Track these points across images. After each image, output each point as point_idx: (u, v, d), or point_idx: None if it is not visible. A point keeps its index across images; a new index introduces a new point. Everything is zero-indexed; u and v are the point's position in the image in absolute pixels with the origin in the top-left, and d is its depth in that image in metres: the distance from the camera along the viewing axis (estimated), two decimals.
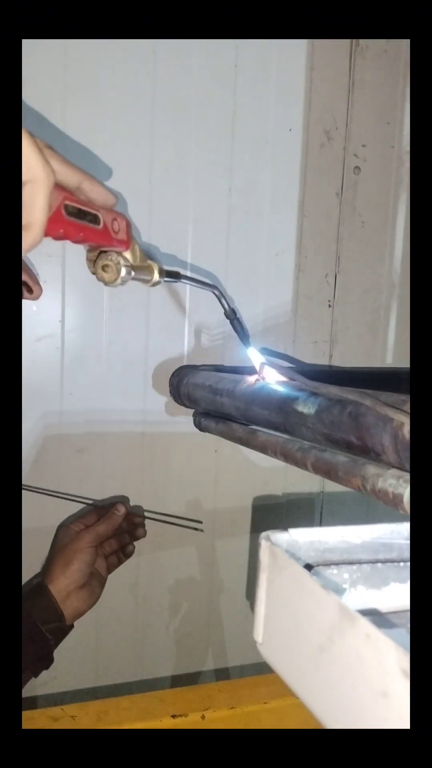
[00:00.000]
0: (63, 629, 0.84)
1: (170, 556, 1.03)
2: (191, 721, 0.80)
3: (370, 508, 1.09)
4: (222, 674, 1.09)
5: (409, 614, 0.40)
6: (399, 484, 0.45)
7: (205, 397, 0.82)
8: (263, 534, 0.41)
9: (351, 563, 0.42)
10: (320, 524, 1.14)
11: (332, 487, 1.10)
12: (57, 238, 0.50)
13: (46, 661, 0.82)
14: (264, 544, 0.40)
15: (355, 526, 0.43)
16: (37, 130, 0.85)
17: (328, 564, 0.42)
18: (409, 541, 0.44)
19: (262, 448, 0.69)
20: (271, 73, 0.98)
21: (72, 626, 0.86)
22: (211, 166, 0.97)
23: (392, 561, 0.43)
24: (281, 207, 1.02)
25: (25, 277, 0.83)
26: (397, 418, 0.45)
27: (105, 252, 0.61)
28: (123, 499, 0.97)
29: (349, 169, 1.06)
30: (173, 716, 0.80)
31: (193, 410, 0.91)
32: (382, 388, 0.53)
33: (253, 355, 0.75)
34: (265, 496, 1.08)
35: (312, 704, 0.35)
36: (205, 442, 1.00)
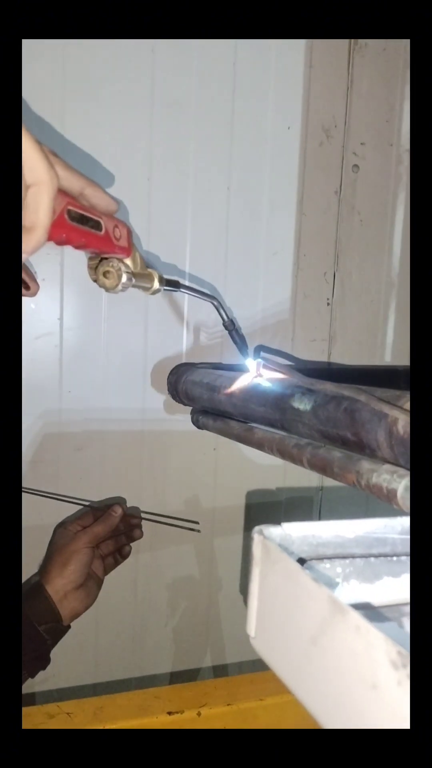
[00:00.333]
0: (60, 630, 0.84)
1: (169, 553, 1.04)
2: (187, 718, 0.81)
3: (369, 504, 1.09)
4: (220, 671, 1.10)
5: (401, 608, 0.41)
6: (393, 479, 0.45)
7: (203, 394, 0.82)
8: (256, 528, 0.41)
9: (344, 557, 0.42)
10: (319, 520, 1.14)
11: (331, 483, 1.10)
12: (59, 242, 0.51)
13: (43, 662, 0.83)
14: (257, 538, 0.40)
15: (348, 521, 0.43)
16: (35, 129, 0.86)
17: (321, 558, 0.42)
18: (402, 536, 0.44)
19: (259, 445, 0.69)
20: (269, 72, 0.98)
21: (69, 627, 0.86)
22: (210, 165, 0.97)
23: (385, 555, 0.43)
24: (280, 205, 1.02)
25: (22, 275, 0.83)
26: (392, 414, 0.45)
27: (106, 258, 0.62)
28: (120, 501, 0.98)
29: (347, 167, 1.06)
30: (169, 713, 0.81)
31: (191, 408, 0.91)
32: (381, 385, 0.53)
33: (252, 366, 0.76)
34: (263, 493, 1.08)
35: (304, 697, 0.36)
36: (204, 439, 1.01)
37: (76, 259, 0.90)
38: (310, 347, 1.08)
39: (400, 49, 1.05)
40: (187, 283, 0.73)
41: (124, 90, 0.91)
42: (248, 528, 1.08)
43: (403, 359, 1.13)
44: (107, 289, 0.62)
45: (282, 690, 0.39)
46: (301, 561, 0.41)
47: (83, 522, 0.91)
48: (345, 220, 1.07)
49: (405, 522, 0.44)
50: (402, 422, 0.44)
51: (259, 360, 0.73)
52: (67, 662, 0.96)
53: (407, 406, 0.46)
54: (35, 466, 0.94)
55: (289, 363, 1.04)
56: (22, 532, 0.90)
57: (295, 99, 1.00)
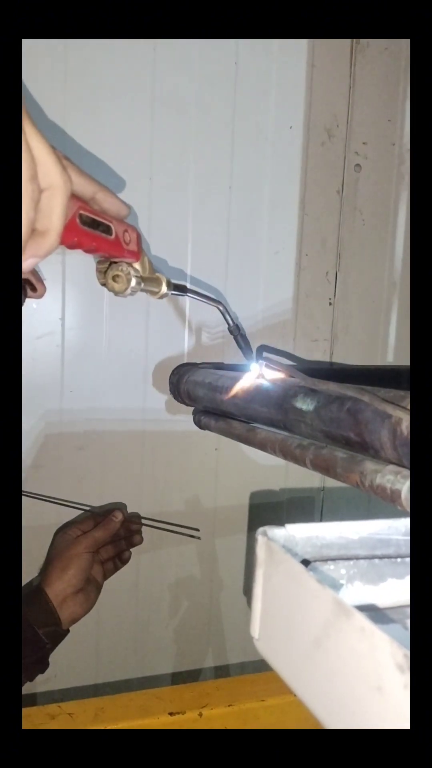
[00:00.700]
0: (59, 633, 0.84)
1: (170, 554, 1.04)
2: (189, 719, 0.81)
3: (370, 504, 1.09)
4: (222, 672, 1.10)
5: (405, 610, 0.41)
6: (397, 480, 0.45)
7: (205, 394, 0.82)
8: (260, 529, 0.41)
9: (348, 559, 0.42)
10: (321, 521, 1.14)
11: (333, 484, 1.10)
12: (71, 246, 0.51)
13: (42, 665, 0.83)
14: (260, 540, 0.40)
15: (352, 522, 0.43)
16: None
17: (325, 559, 0.42)
18: (406, 537, 0.44)
19: (262, 446, 0.69)
20: (271, 71, 0.98)
21: (68, 631, 0.86)
22: (212, 164, 0.97)
23: (389, 557, 0.43)
24: (282, 205, 1.02)
25: (29, 276, 0.83)
26: (396, 414, 0.45)
27: (115, 263, 0.62)
28: (120, 506, 0.98)
29: (349, 166, 1.06)
30: (171, 714, 0.80)
31: (193, 408, 0.91)
32: (383, 385, 0.53)
33: (256, 371, 0.76)
34: (265, 493, 1.08)
35: (308, 699, 0.36)
36: (205, 440, 1.01)
37: (78, 259, 0.90)
38: (312, 347, 1.08)
39: (402, 48, 1.05)
40: (193, 288, 0.72)
41: (125, 89, 0.91)
42: (249, 528, 1.08)
43: (405, 359, 1.13)
44: (116, 293, 0.63)
45: (283, 691, 0.39)
46: (305, 562, 0.41)
47: (83, 527, 0.91)
48: (347, 219, 1.07)
49: (409, 523, 0.44)
50: (406, 423, 0.44)
51: (262, 360, 0.73)
52: (69, 663, 0.96)
53: None
54: (37, 465, 0.94)
55: (292, 363, 1.04)
56: (23, 534, 0.90)
57: (297, 98, 1.00)
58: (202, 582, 1.07)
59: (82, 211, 0.51)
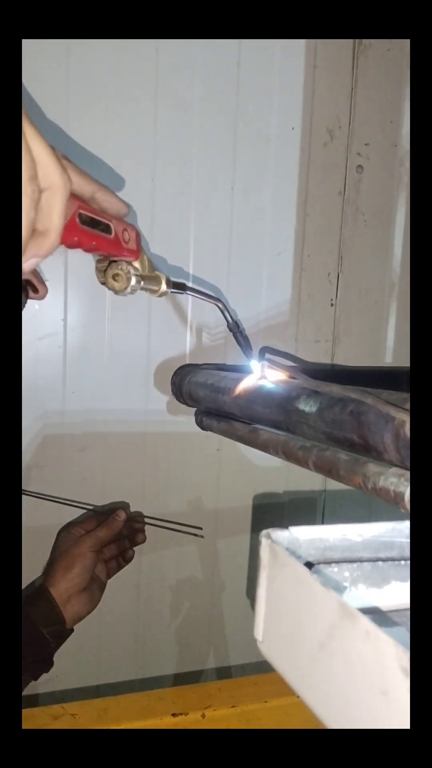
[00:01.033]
0: (63, 633, 0.84)
1: (172, 555, 1.04)
2: (191, 720, 0.81)
3: (372, 506, 1.09)
4: (224, 673, 1.09)
5: (409, 612, 0.40)
6: (400, 483, 0.45)
7: (207, 395, 0.82)
8: (264, 532, 0.41)
9: (352, 561, 0.42)
10: (322, 523, 1.14)
11: (334, 486, 1.10)
12: (71, 246, 0.51)
13: (46, 664, 0.83)
14: (264, 542, 0.40)
15: (356, 524, 0.43)
16: (39, 128, 0.86)
17: (329, 562, 0.42)
18: (410, 540, 0.44)
19: (264, 447, 0.68)
20: (273, 72, 0.98)
21: (72, 630, 0.86)
22: (214, 165, 0.97)
23: (393, 559, 0.43)
24: (283, 206, 1.02)
25: (30, 277, 0.83)
26: (399, 417, 0.45)
27: (115, 261, 0.62)
28: (123, 505, 0.98)
29: (351, 167, 1.05)
30: (173, 715, 0.80)
31: (195, 409, 0.91)
32: (385, 387, 0.53)
33: (256, 368, 0.76)
34: (267, 494, 1.08)
35: (312, 702, 0.35)
36: (207, 441, 1.01)
37: (80, 259, 0.90)
38: (314, 348, 1.08)
39: (404, 49, 1.05)
40: (192, 285, 0.72)
41: (127, 90, 0.90)
42: (251, 530, 1.08)
43: (407, 360, 1.12)
44: (116, 292, 0.62)
45: (286, 692, 0.39)
46: (309, 565, 0.41)
47: (87, 526, 0.91)
48: (349, 220, 1.06)
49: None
50: (409, 425, 0.44)
51: (264, 361, 0.73)
52: (71, 663, 0.96)
53: None
54: (38, 466, 0.94)
55: (293, 364, 1.04)
56: (25, 534, 0.90)
57: (299, 99, 1.00)
58: (204, 583, 1.07)
59: (81, 211, 0.51)
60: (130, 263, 0.62)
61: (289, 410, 0.61)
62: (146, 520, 0.97)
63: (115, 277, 0.62)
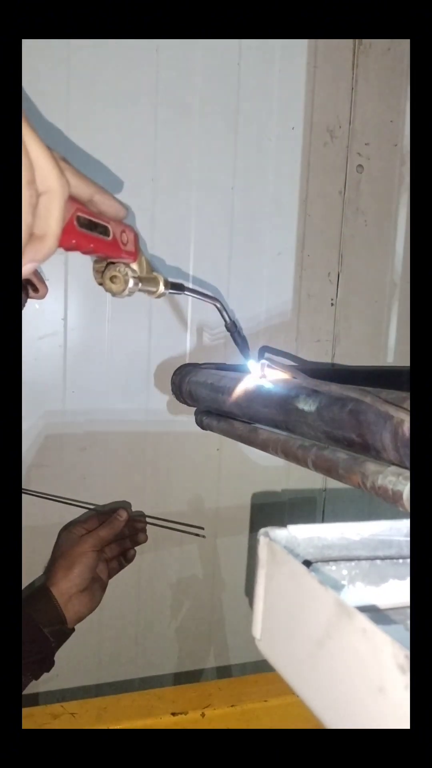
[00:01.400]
0: (64, 632, 0.84)
1: (172, 554, 1.04)
2: (191, 719, 0.81)
3: (372, 505, 1.09)
4: (224, 672, 1.10)
5: (407, 611, 0.41)
6: (399, 482, 0.45)
7: (207, 395, 0.82)
8: (262, 530, 0.41)
9: (350, 560, 0.42)
10: (322, 522, 1.14)
11: (334, 485, 1.10)
12: (69, 248, 0.51)
13: (47, 664, 0.83)
14: (262, 541, 0.40)
15: (354, 523, 0.43)
16: (39, 130, 0.86)
17: (327, 560, 0.42)
18: (408, 538, 0.44)
19: (264, 446, 0.69)
20: (274, 72, 0.98)
21: (73, 630, 0.86)
22: (214, 165, 0.97)
23: (391, 558, 0.43)
24: (284, 205, 1.02)
25: (31, 276, 0.83)
26: (398, 416, 0.45)
27: (113, 263, 0.62)
28: (125, 505, 0.98)
29: (352, 167, 1.06)
30: (173, 714, 0.80)
31: (195, 408, 0.91)
32: (384, 386, 0.53)
33: (253, 368, 0.76)
34: (267, 494, 1.08)
35: (309, 700, 0.35)
36: (207, 440, 1.01)
37: (81, 259, 0.90)
38: (314, 348, 1.08)
39: (405, 49, 1.05)
40: (190, 286, 0.72)
41: (128, 90, 0.91)
42: (251, 529, 1.08)
43: (407, 360, 1.13)
44: (114, 294, 0.62)
45: (286, 691, 0.39)
46: (307, 563, 0.41)
47: (88, 525, 0.91)
48: (349, 220, 1.07)
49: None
50: (408, 424, 0.44)
51: (264, 361, 0.73)
52: (71, 663, 0.96)
53: None
54: (38, 465, 0.94)
55: (293, 364, 1.04)
56: (27, 533, 0.91)
57: (299, 99, 1.00)
58: (204, 582, 1.07)
59: (79, 213, 0.50)
60: (128, 265, 0.62)
61: (289, 409, 0.61)
62: (148, 519, 0.98)
63: (112, 279, 0.62)
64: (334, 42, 1.01)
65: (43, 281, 0.86)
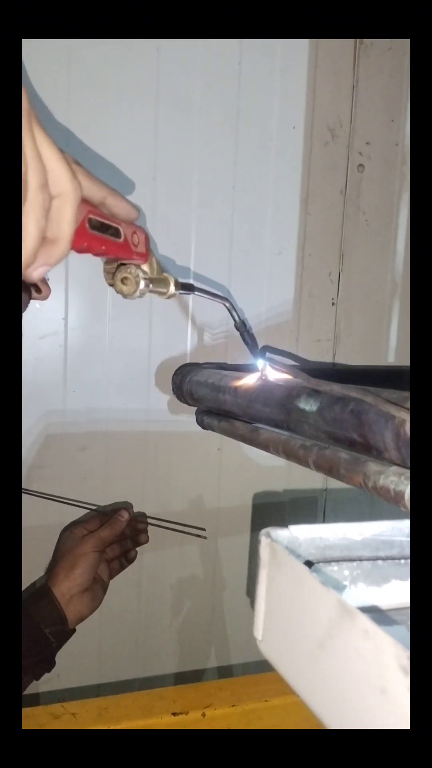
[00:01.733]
0: (65, 633, 0.84)
1: (173, 553, 1.04)
2: (192, 719, 0.81)
3: (373, 505, 1.09)
4: (225, 672, 1.10)
5: (409, 611, 0.40)
6: (400, 482, 0.45)
7: (207, 395, 0.82)
8: (263, 531, 0.41)
9: (351, 560, 0.42)
10: (323, 522, 1.14)
11: (335, 485, 1.10)
12: (80, 251, 0.51)
13: (48, 664, 0.83)
14: (264, 541, 0.40)
15: (356, 523, 0.43)
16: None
17: (329, 561, 0.42)
18: (409, 539, 0.44)
19: (265, 446, 0.69)
20: (274, 71, 0.98)
21: (74, 630, 0.86)
22: (215, 164, 0.97)
23: (393, 558, 0.43)
24: (285, 205, 1.02)
25: None
26: (399, 416, 0.45)
27: (124, 264, 0.61)
28: (126, 506, 0.98)
29: (353, 167, 1.05)
30: (174, 714, 0.80)
31: (195, 408, 0.91)
32: (386, 386, 0.53)
33: (263, 368, 0.76)
34: (268, 494, 1.08)
35: (311, 701, 0.35)
36: (208, 440, 1.01)
37: (81, 259, 0.90)
38: (315, 347, 1.08)
39: (406, 48, 1.05)
40: (199, 285, 0.72)
41: (129, 89, 0.91)
42: (252, 529, 1.08)
43: (408, 359, 1.12)
44: (125, 296, 0.62)
45: (287, 691, 0.39)
46: (309, 564, 0.41)
47: (90, 526, 0.91)
48: (350, 219, 1.06)
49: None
50: (409, 424, 0.44)
51: (265, 360, 0.73)
52: (72, 663, 0.96)
53: None
54: (39, 465, 0.94)
55: (294, 363, 1.04)
56: (28, 534, 0.91)
57: (300, 98, 1.00)
58: (205, 582, 1.07)
59: (91, 216, 0.50)
60: (138, 266, 0.62)
61: (290, 409, 0.61)
62: (149, 520, 0.97)
63: (124, 281, 0.62)
64: (334, 41, 1.00)
65: (46, 282, 0.85)
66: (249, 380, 0.73)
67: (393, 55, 1.05)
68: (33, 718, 0.79)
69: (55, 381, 0.93)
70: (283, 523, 0.42)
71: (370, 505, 1.09)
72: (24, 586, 0.94)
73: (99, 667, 1.02)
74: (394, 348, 1.12)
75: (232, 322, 0.81)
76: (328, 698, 0.34)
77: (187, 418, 0.96)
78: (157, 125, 0.93)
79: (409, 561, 0.43)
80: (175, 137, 0.94)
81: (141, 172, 0.93)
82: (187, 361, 0.98)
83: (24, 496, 0.91)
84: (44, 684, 0.97)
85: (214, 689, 0.86)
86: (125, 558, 0.94)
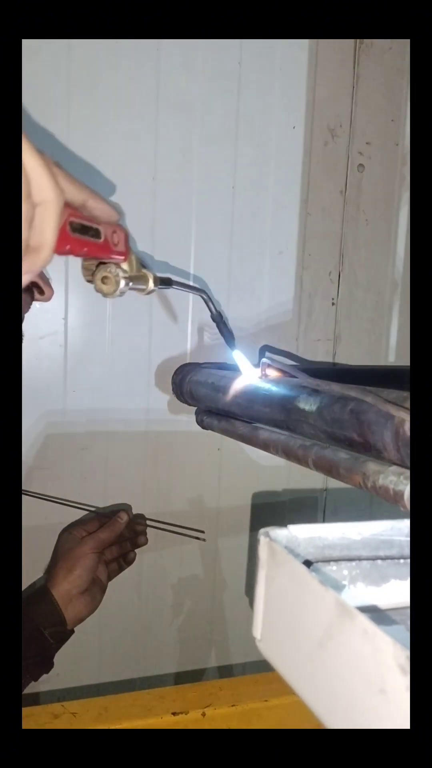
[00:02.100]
0: (64, 634, 0.84)
1: (173, 553, 1.04)
2: (192, 719, 0.81)
3: (373, 505, 1.09)
4: (225, 671, 1.10)
5: (408, 611, 0.40)
6: (400, 481, 0.45)
7: (207, 394, 0.82)
8: (262, 530, 0.41)
9: (351, 560, 0.42)
10: (323, 522, 1.14)
11: (335, 484, 1.10)
12: (62, 253, 0.50)
13: (47, 665, 0.83)
14: (263, 540, 0.40)
15: (355, 523, 0.43)
16: (40, 131, 0.86)
17: (328, 560, 0.42)
18: (409, 538, 0.44)
19: (264, 446, 0.69)
20: (275, 71, 0.98)
21: (73, 631, 0.86)
22: (215, 164, 0.97)
23: (392, 558, 0.43)
24: (285, 205, 1.02)
25: (36, 279, 0.83)
26: (399, 416, 0.45)
27: (104, 263, 0.61)
28: (125, 507, 0.98)
29: (353, 167, 1.05)
30: (174, 713, 0.80)
31: (195, 408, 0.91)
32: (386, 386, 0.53)
33: (238, 358, 0.76)
34: (268, 494, 1.08)
35: (310, 701, 0.35)
36: (208, 439, 1.01)
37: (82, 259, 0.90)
38: (315, 347, 1.08)
39: (406, 48, 1.05)
40: (176, 279, 0.72)
41: (128, 89, 0.91)
42: (252, 529, 1.08)
43: (408, 359, 1.12)
44: (105, 295, 0.62)
45: (287, 691, 0.39)
46: (308, 563, 0.41)
47: (89, 527, 0.91)
48: (350, 219, 1.06)
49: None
50: (409, 424, 0.44)
51: (265, 360, 0.73)
52: (72, 662, 0.96)
53: None
54: (39, 465, 0.94)
55: (294, 363, 1.04)
56: (27, 534, 0.91)
57: (300, 98, 1.00)
58: (205, 582, 1.07)
59: (72, 219, 0.50)
60: (118, 265, 0.62)
61: (290, 409, 0.61)
62: (148, 522, 0.97)
63: (104, 280, 0.62)
64: (334, 41, 1.00)
65: (48, 283, 0.85)
66: (245, 380, 0.73)
67: (393, 55, 1.05)
68: (33, 718, 0.79)
69: (55, 381, 0.93)
70: (283, 523, 0.42)
71: (369, 504, 1.09)
72: (23, 587, 0.94)
73: (99, 666, 1.02)
74: (394, 348, 1.12)
75: (232, 323, 0.81)
76: (327, 698, 0.34)
77: (187, 417, 0.96)
78: (157, 125, 0.93)
79: (408, 561, 0.43)
80: (176, 136, 0.94)
81: (141, 172, 0.93)
82: (187, 361, 0.98)
83: (23, 497, 0.91)
84: (44, 683, 0.97)
85: (214, 689, 0.86)
86: (124, 560, 0.94)
